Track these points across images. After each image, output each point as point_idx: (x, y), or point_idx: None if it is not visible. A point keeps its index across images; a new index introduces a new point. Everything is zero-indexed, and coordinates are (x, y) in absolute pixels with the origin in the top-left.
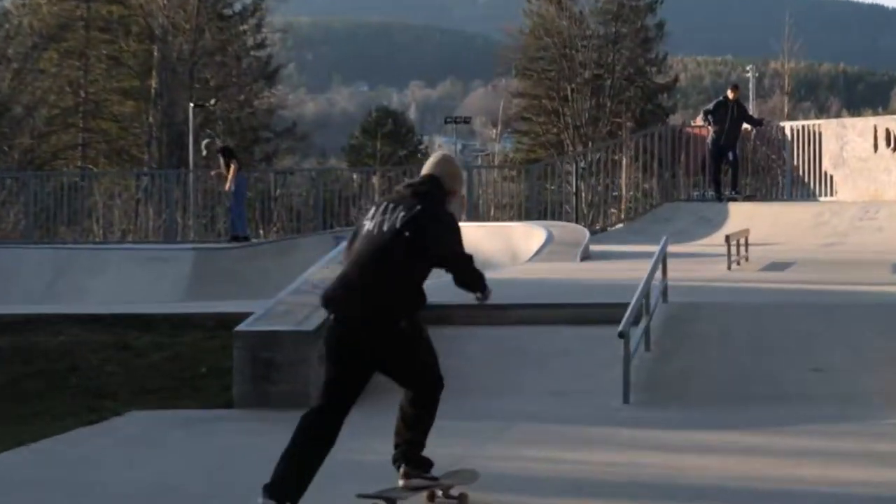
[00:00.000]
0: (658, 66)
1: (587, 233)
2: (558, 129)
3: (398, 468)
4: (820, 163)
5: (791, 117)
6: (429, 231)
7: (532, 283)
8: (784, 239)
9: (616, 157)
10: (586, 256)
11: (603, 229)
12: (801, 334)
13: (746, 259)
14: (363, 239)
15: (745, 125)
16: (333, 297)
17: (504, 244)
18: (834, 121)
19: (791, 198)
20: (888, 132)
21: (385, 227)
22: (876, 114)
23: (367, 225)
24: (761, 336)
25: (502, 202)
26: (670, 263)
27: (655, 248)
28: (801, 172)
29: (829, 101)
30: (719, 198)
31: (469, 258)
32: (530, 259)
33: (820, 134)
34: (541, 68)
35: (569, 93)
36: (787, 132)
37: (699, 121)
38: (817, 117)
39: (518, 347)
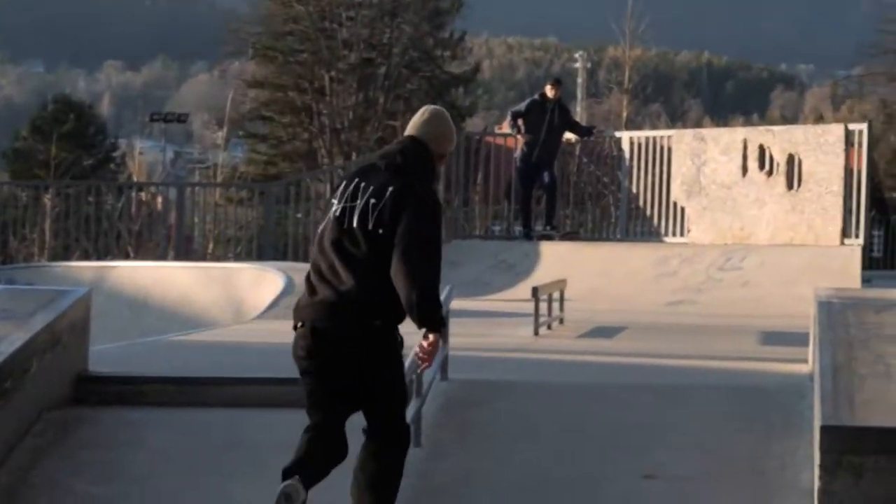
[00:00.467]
0: (453, 50)
1: None
2: (310, 134)
3: None
4: (668, 190)
5: (633, 125)
6: (402, 219)
7: (259, 349)
8: (615, 295)
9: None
10: None
11: None
12: (631, 427)
13: (561, 321)
14: (331, 232)
15: (569, 134)
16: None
17: (225, 293)
18: (689, 131)
19: (627, 237)
20: (763, 150)
21: (354, 220)
22: (749, 123)
23: (334, 207)
24: (576, 428)
25: (226, 234)
26: (456, 325)
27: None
28: (641, 202)
29: (686, 103)
30: (528, 235)
31: (437, 263)
32: (260, 315)
33: (670, 149)
34: (288, 48)
35: (327, 83)
36: (626, 146)
37: (506, 126)
38: (669, 126)
39: (230, 440)
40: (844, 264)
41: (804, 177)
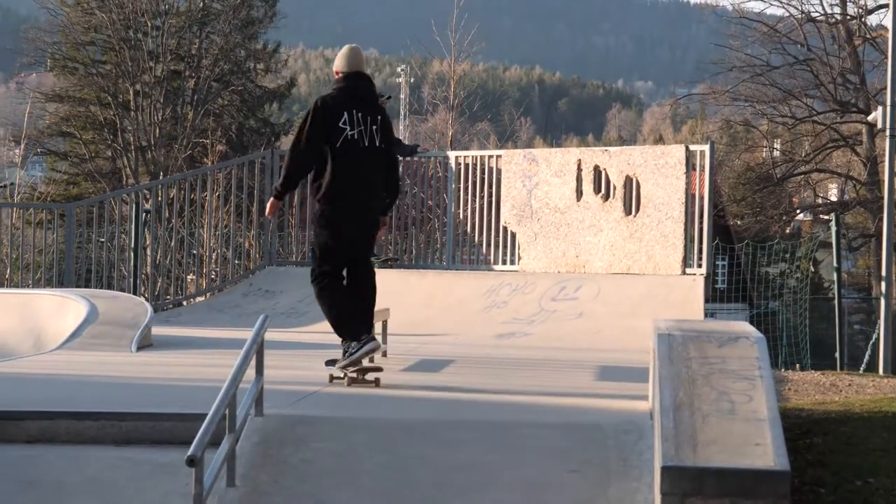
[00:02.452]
0: (266, 63)
1: (149, 309)
2: (114, 152)
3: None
4: (498, 214)
5: (460, 145)
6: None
7: (61, 380)
8: (441, 326)
9: (201, 196)
10: (146, 344)
11: (178, 304)
12: (459, 468)
13: (384, 354)
14: (354, 149)
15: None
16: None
17: (24, 322)
18: (520, 152)
19: (454, 265)
20: (599, 172)
21: (367, 142)
22: (584, 143)
23: (349, 132)
24: (400, 469)
25: (23, 259)
26: (272, 357)
27: (248, 334)
28: (469, 227)
29: (516, 122)
30: None
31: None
32: (62, 345)
33: (499, 171)
34: (90, 59)
35: (132, 97)
36: (452, 166)
37: None
38: (499, 145)
39: (30, 479)
40: (686, 295)
41: (643, 201)
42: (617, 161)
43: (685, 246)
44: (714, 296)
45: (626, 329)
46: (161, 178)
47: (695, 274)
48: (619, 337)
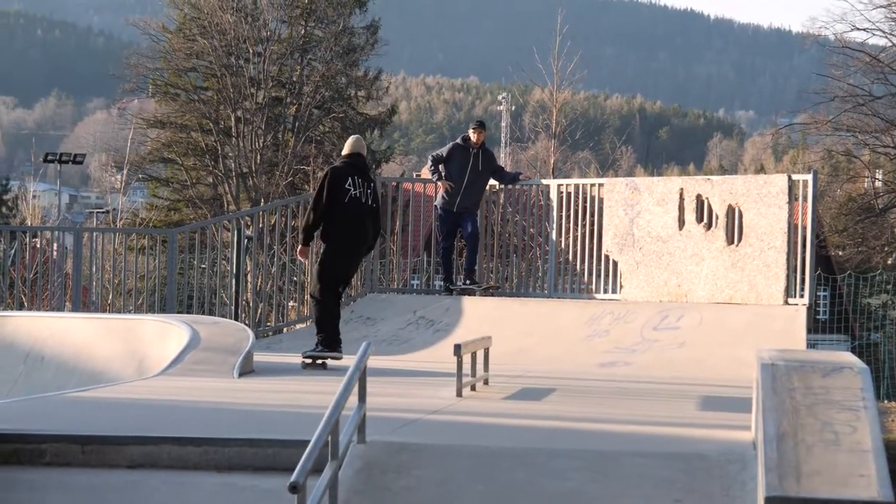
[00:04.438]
0: (367, 90)
1: (251, 335)
2: (215, 178)
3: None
4: (599, 242)
5: (561, 173)
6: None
7: (163, 406)
8: (543, 354)
9: (291, 224)
10: (248, 370)
11: (278, 330)
12: (561, 496)
13: (486, 382)
14: (355, 204)
15: (493, 182)
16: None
17: (126, 347)
18: (622, 180)
19: (555, 293)
20: (701, 201)
21: (364, 200)
22: (684, 172)
23: (353, 192)
24: (502, 498)
25: (126, 284)
26: (374, 384)
27: (350, 362)
28: (571, 255)
29: (617, 150)
30: (449, 289)
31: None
32: (164, 371)
33: (601, 199)
34: (192, 85)
35: (233, 123)
36: (554, 194)
37: (426, 172)
38: (600, 174)
39: None
40: (788, 325)
41: (745, 230)
42: (719, 190)
43: (787, 276)
44: (815, 327)
45: (729, 359)
46: (262, 204)
47: (797, 304)
48: (722, 367)
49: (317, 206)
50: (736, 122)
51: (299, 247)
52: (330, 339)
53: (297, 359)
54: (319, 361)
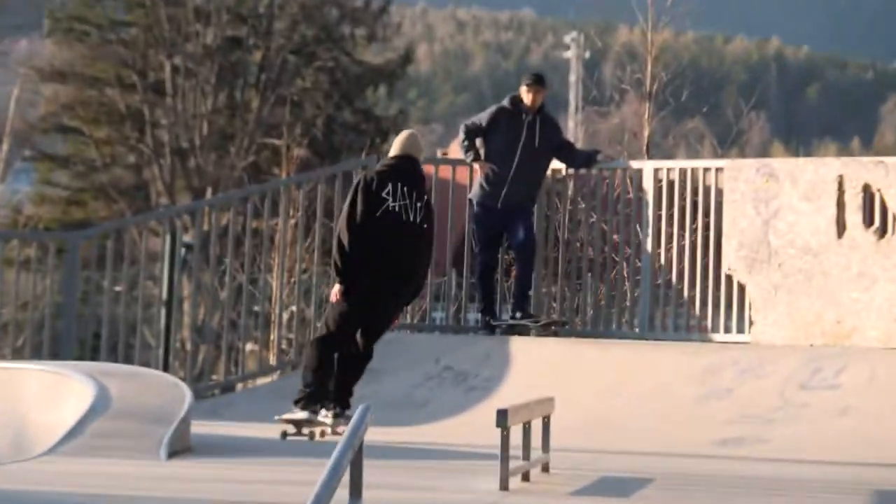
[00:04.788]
0: (370, 26)
1: (188, 394)
2: (140, 157)
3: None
4: (718, 255)
5: (661, 151)
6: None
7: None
8: (633, 427)
9: (269, 225)
10: (182, 448)
11: (227, 388)
12: None
13: (545, 468)
14: (394, 220)
15: (556, 164)
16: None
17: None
18: (751, 162)
19: (651, 332)
20: (870, 194)
21: (408, 217)
22: (845, 151)
23: (391, 203)
24: None
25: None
26: (378, 470)
27: (337, 436)
28: (674, 275)
29: (744, 118)
30: (490, 326)
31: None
32: (55, 448)
33: (719, 192)
34: (107, 20)
35: (168, 76)
36: (649, 183)
37: (456, 149)
38: (718, 153)
39: None
40: None
41: None
42: None
43: None
44: None
45: None
46: (209, 196)
47: None
48: None
49: (350, 224)
50: None
51: (335, 287)
52: (318, 395)
53: (255, 430)
54: (305, 431)
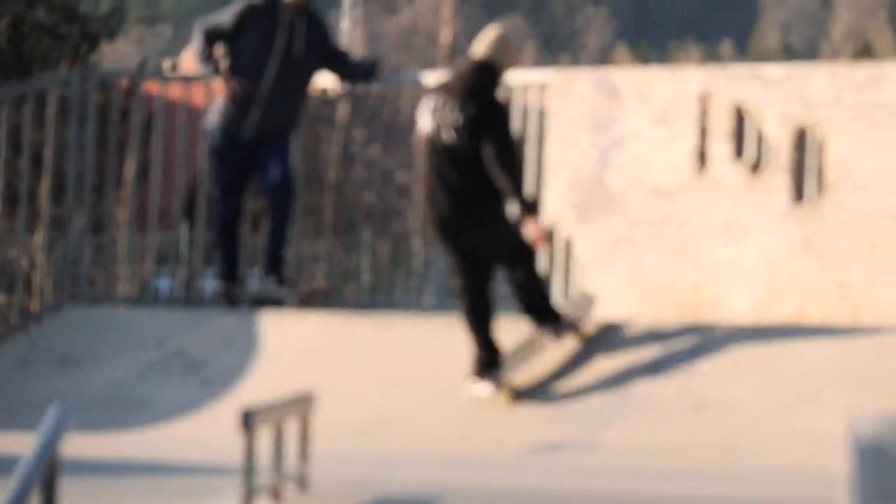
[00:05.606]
0: None
1: None
2: None
3: None
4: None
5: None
6: (483, 133)
7: None
8: (420, 429)
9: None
10: None
11: None
12: None
13: (303, 483)
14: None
15: (325, 79)
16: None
17: None
18: (586, 75)
19: (445, 302)
20: (742, 115)
21: (445, 136)
22: (711, 57)
23: (428, 121)
24: None
25: None
26: (82, 492)
27: (23, 445)
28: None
29: (577, 14)
30: (232, 295)
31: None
32: None
33: (542, 115)
34: None
35: None
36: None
37: (190, 58)
38: (545, 60)
39: None
40: None
41: (833, 176)
42: (782, 96)
43: None
44: None
45: (793, 434)
46: None
47: None
48: (778, 450)
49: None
50: None
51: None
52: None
53: None
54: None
